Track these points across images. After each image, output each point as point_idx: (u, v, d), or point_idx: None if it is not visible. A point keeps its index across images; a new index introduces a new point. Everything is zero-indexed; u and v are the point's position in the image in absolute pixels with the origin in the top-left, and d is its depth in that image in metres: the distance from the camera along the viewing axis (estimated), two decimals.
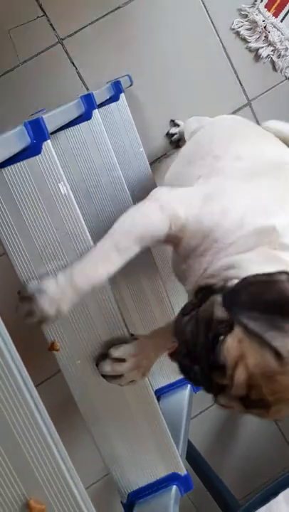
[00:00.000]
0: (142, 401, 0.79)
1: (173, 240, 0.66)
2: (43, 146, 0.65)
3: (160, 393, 1.06)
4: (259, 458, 1.70)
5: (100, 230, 0.85)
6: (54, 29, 1.30)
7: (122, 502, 0.81)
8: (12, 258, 0.68)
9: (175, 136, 1.39)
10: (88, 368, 0.74)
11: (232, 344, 0.52)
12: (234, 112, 1.44)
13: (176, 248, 0.67)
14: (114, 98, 1.14)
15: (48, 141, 0.65)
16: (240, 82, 1.42)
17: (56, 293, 0.61)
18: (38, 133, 0.64)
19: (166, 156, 1.44)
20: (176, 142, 1.41)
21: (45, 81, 1.33)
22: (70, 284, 0.61)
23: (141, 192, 1.12)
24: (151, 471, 0.80)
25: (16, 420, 0.46)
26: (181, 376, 1.04)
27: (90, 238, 0.71)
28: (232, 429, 1.69)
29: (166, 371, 1.07)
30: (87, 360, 0.74)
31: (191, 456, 1.08)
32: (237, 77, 1.42)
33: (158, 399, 1.00)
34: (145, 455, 0.81)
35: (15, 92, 1.32)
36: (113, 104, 1.14)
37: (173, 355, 0.61)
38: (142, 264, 1.02)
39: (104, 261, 0.63)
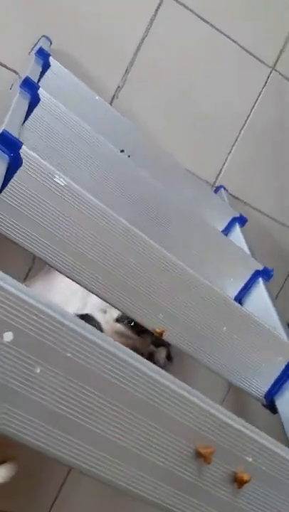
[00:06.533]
0: None
1: None
2: (22, 154, 0.65)
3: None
4: None
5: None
6: None
7: (263, 405, 0.86)
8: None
9: None
10: None
11: None
12: None
13: None
14: (45, 66, 1.10)
15: (23, 146, 0.64)
16: None
17: None
18: (10, 145, 0.63)
19: (119, 88, 1.40)
20: None
21: None
22: None
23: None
24: (270, 367, 0.85)
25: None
26: None
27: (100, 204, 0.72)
28: None
29: None
30: None
31: None
32: None
33: None
34: (256, 358, 0.84)
35: None
36: (48, 73, 1.10)
37: None
38: None
39: None
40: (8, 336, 0.42)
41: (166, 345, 0.77)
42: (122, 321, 0.83)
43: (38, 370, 0.44)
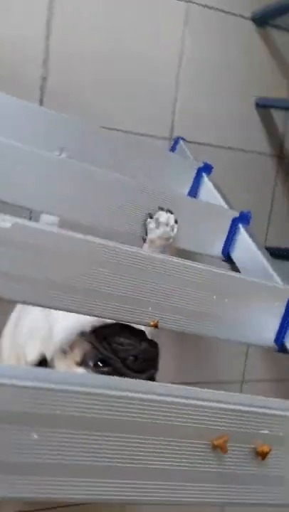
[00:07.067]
0: None
1: None
2: None
3: None
4: None
5: None
6: None
7: (276, 351, 0.88)
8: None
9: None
10: None
11: None
12: None
13: None
14: None
15: None
16: None
17: None
18: None
19: (45, 79, 1.35)
20: None
21: None
22: None
23: None
24: (270, 314, 0.86)
25: None
26: None
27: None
28: None
29: None
30: None
31: None
32: None
33: None
34: (254, 312, 0.86)
35: None
36: None
37: None
38: None
39: None
40: None
41: (139, 371, 0.73)
42: (86, 363, 0.73)
43: (36, 436, 0.45)
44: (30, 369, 0.46)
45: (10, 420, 0.44)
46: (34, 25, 1.32)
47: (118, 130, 1.43)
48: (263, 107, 1.64)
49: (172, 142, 1.53)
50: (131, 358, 0.73)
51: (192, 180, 1.30)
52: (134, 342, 0.75)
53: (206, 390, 0.55)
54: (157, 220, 0.99)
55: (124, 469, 0.49)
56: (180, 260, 0.79)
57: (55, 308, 0.72)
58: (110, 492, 0.49)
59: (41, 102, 1.36)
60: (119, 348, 0.73)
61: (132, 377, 0.70)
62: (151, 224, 0.98)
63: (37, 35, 1.33)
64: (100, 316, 0.75)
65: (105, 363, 0.72)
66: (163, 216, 0.99)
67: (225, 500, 0.55)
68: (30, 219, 1.13)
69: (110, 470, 0.49)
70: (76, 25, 1.37)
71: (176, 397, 0.51)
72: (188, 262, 0.79)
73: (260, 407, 0.55)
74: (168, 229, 0.99)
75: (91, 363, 0.71)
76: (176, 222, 1.00)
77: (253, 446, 0.55)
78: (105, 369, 0.71)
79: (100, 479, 0.48)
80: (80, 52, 1.39)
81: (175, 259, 0.79)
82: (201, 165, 1.31)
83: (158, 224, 0.98)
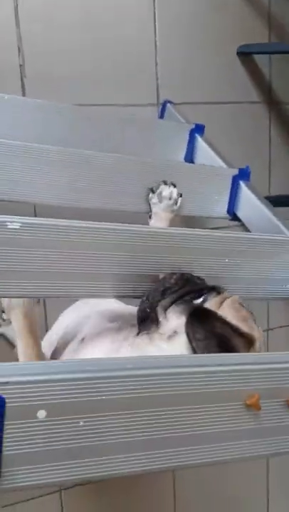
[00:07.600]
0: None
1: None
2: None
3: None
4: None
5: None
6: None
7: None
8: None
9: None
10: None
11: None
12: None
13: None
14: None
15: None
16: None
17: None
18: None
19: (22, 66, 1.34)
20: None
21: None
22: None
23: None
24: (285, 267, 0.88)
25: None
26: None
27: None
28: None
29: None
30: None
31: None
32: None
33: None
34: (267, 268, 0.87)
35: None
36: None
37: None
38: None
39: None
40: (42, 414, 0.47)
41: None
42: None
43: (82, 423, 0.48)
44: (69, 363, 0.49)
45: (56, 413, 0.47)
46: (2, 14, 1.30)
47: (105, 105, 1.42)
48: (245, 54, 1.61)
49: (160, 106, 1.52)
50: (192, 275, 0.74)
51: (186, 143, 1.29)
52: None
53: (230, 354, 0.58)
54: (160, 194, 1.00)
55: (170, 439, 0.53)
56: (181, 230, 0.80)
57: (74, 297, 0.75)
58: (162, 461, 0.52)
59: (23, 90, 1.36)
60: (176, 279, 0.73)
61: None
62: (154, 199, 0.99)
63: (7, 23, 1.31)
64: (121, 296, 0.77)
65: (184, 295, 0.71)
66: (166, 190, 1.00)
67: (266, 452, 0.58)
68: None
69: (159, 442, 0.52)
70: (44, 4, 1.34)
71: (206, 366, 0.54)
72: (191, 231, 0.81)
73: (284, 362, 0.58)
74: (171, 202, 1.00)
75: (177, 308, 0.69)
76: (180, 196, 1.01)
77: (283, 399, 0.58)
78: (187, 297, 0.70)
79: (153, 451, 0.52)
80: (53, 32, 1.37)
81: (176, 230, 0.80)
82: (193, 126, 1.30)
83: (160, 198, 1.00)
